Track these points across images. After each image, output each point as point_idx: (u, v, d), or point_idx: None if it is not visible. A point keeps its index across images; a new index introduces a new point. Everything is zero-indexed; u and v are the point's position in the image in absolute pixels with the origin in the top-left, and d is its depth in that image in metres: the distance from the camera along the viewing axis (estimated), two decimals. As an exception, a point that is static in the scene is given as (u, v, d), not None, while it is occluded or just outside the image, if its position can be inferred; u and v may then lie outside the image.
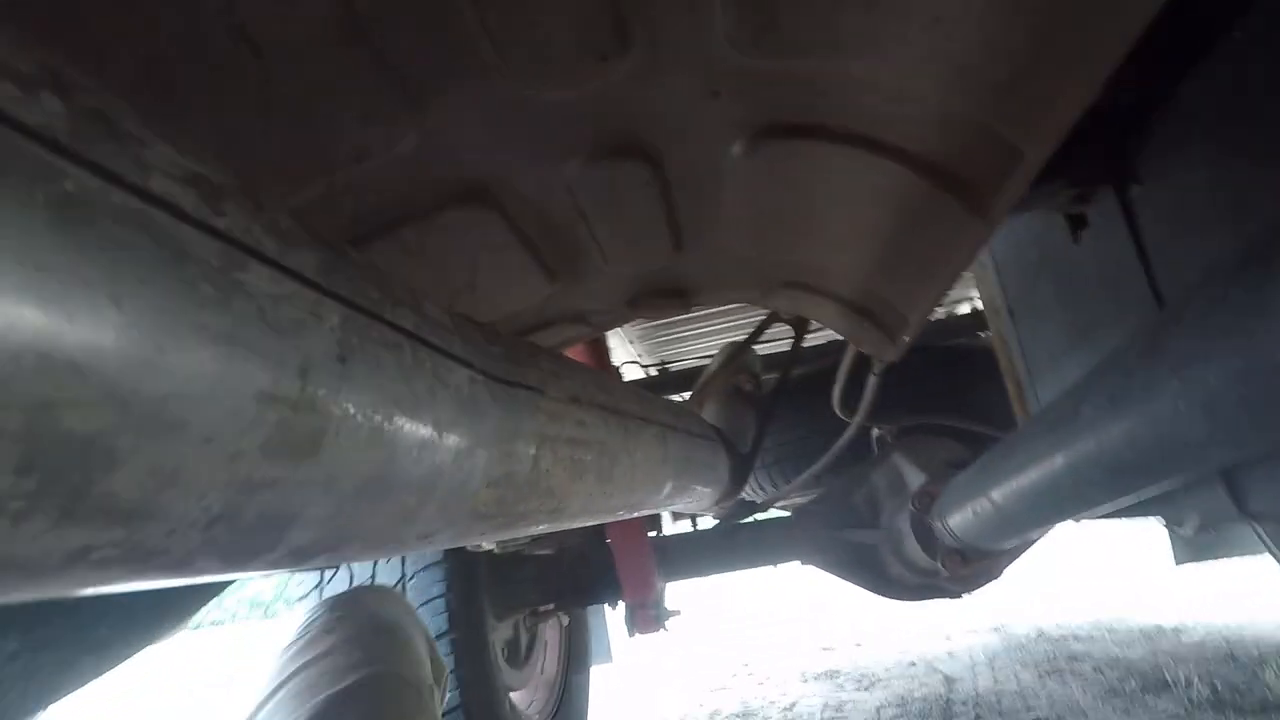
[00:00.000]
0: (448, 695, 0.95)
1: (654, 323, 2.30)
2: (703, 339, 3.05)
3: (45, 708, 0.55)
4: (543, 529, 0.49)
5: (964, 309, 3.02)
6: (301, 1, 0.42)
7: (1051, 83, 0.41)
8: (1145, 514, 1.44)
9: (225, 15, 0.39)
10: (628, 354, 3.00)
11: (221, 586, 0.97)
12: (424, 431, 0.28)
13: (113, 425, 0.17)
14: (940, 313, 3.13)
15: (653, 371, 3.23)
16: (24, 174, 0.15)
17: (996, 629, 3.66)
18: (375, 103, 0.52)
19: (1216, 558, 2.78)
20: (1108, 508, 1.09)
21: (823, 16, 0.45)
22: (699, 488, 0.95)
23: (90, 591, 0.21)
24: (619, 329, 1.89)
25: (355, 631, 0.77)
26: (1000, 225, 1.29)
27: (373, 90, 0.51)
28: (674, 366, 3.28)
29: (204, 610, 0.96)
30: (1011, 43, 0.42)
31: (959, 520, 1.51)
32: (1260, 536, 2.77)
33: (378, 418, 0.25)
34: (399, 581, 1.76)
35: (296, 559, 0.26)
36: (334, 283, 0.23)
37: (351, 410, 0.23)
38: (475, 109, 0.55)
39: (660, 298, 0.97)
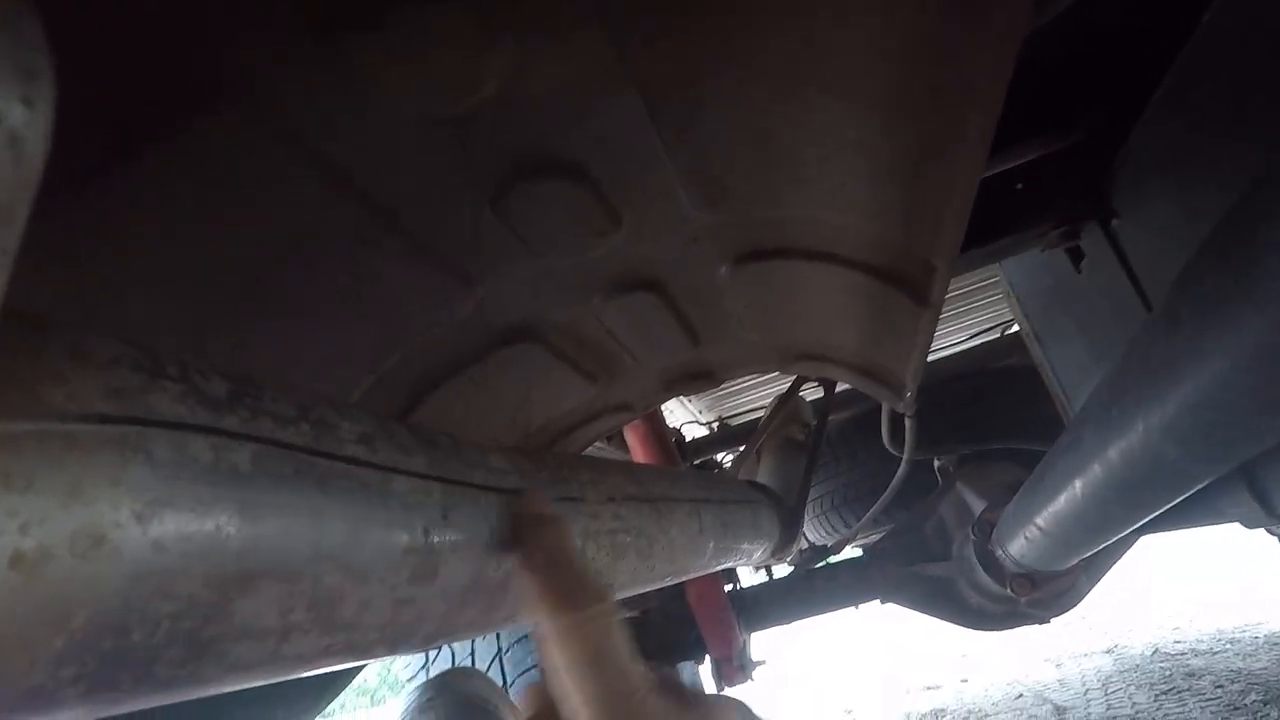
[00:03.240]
0: None
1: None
2: (758, 389, 3.14)
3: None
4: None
5: (1016, 328, 3.01)
6: (385, 245, 0.60)
7: (930, 218, 0.55)
8: (1212, 523, 1.45)
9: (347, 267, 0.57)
10: (687, 413, 3.12)
11: (350, 676, 1.14)
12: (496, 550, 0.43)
13: (324, 571, 0.32)
14: (992, 335, 3.14)
15: (714, 426, 3.33)
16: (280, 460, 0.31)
17: (1110, 650, 3.49)
18: (439, 286, 0.69)
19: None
20: (1145, 521, 1.13)
21: (760, 187, 0.61)
22: (746, 545, 1.07)
23: (303, 673, 0.36)
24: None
25: (449, 709, 0.92)
26: (1016, 258, 1.40)
27: (435, 277, 0.68)
28: (733, 418, 3.37)
29: (335, 698, 1.13)
30: (892, 195, 0.56)
31: (1017, 545, 1.55)
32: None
33: (469, 547, 0.39)
34: (496, 655, 1.89)
35: (425, 643, 0.41)
36: (435, 468, 0.38)
37: (451, 546, 0.38)
38: (513, 277, 0.72)
39: (691, 380, 1.12)
